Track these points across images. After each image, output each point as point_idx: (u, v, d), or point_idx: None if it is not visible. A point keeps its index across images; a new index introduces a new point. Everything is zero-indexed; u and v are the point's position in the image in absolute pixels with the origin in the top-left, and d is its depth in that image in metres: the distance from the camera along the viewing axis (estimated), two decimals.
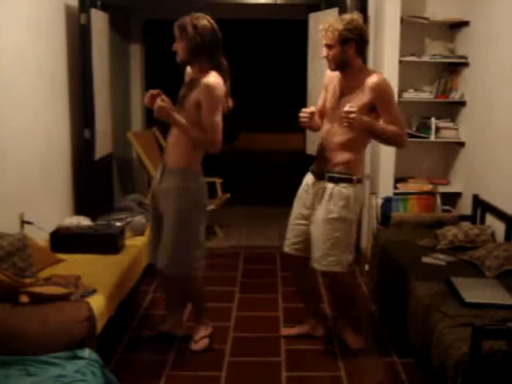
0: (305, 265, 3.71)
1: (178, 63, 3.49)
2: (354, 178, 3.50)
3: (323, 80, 3.69)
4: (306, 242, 3.65)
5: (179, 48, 3.41)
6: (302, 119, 3.55)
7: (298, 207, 3.71)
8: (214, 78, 3.37)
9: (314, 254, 3.59)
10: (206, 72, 3.40)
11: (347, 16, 3.47)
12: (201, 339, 3.77)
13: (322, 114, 3.67)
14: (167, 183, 3.52)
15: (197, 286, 3.79)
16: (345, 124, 3.31)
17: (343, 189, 3.48)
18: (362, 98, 3.39)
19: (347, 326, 3.85)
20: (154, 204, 3.67)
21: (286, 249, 3.79)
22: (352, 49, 3.38)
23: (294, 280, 4.04)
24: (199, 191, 3.55)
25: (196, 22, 3.35)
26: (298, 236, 3.70)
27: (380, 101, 3.39)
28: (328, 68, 3.52)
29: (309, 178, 3.67)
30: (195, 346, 3.75)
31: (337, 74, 3.52)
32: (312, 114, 3.56)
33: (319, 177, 3.57)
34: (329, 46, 3.39)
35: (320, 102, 3.72)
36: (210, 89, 3.34)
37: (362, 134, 3.46)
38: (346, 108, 3.28)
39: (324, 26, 3.40)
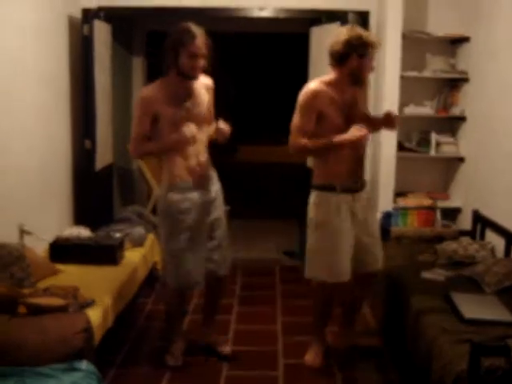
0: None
1: (193, 78, 3.46)
2: (313, 183, 3.67)
3: (312, 102, 3.49)
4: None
5: (205, 63, 3.43)
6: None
7: (343, 233, 3.67)
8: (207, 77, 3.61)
9: (378, 264, 3.80)
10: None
11: (342, 34, 3.46)
12: (227, 341, 3.96)
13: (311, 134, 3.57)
14: (215, 188, 3.68)
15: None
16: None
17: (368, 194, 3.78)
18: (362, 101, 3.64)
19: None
20: (200, 222, 3.58)
21: (345, 278, 3.63)
22: (354, 61, 3.43)
23: (327, 306, 3.87)
24: None
25: (205, 35, 3.44)
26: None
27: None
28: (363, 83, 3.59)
29: (342, 197, 3.63)
30: (225, 348, 3.86)
31: (326, 89, 3.50)
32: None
33: (354, 191, 3.69)
34: (331, 66, 3.52)
35: (310, 125, 3.52)
36: (211, 86, 3.66)
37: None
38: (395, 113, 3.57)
39: (374, 40, 3.44)
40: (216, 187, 3.70)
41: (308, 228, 3.68)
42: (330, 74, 3.54)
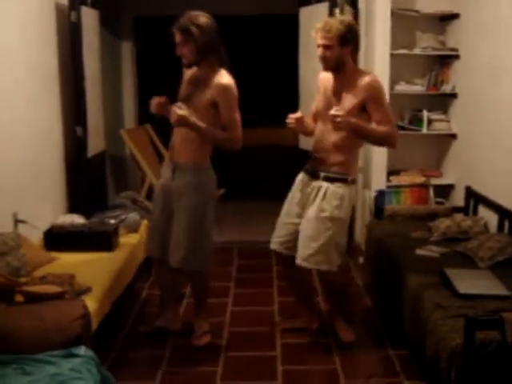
0: (294, 262, 3.66)
1: (186, 67, 3.49)
2: (349, 178, 3.52)
3: (318, 83, 3.67)
4: (295, 240, 3.61)
5: (186, 51, 3.40)
6: (289, 125, 3.58)
7: (289, 205, 3.72)
8: (227, 77, 3.43)
9: (301, 251, 3.55)
10: (214, 70, 3.43)
11: (346, 18, 3.58)
12: (203, 334, 3.77)
13: (317, 116, 3.67)
14: (181, 180, 3.55)
15: (208, 280, 3.85)
16: (333, 126, 3.36)
17: (338, 188, 3.49)
18: (353, 99, 3.42)
19: (339, 319, 3.86)
20: (163, 201, 3.64)
21: (274, 246, 3.78)
22: (348, 50, 3.42)
23: (284, 277, 4.10)
24: (212, 185, 3.66)
25: (198, 21, 3.35)
26: (288, 234, 3.69)
27: (371, 100, 3.40)
28: (322, 68, 3.52)
29: (302, 177, 3.67)
30: (198, 341, 3.75)
31: (329, 75, 3.53)
32: (299, 119, 3.57)
33: (313, 176, 3.58)
34: (326, 47, 3.39)
35: (314, 105, 3.71)
36: (227, 89, 3.41)
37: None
38: (333, 111, 3.32)
39: (324, 25, 3.38)
40: (186, 180, 3.54)
41: (332, 223, 3.51)
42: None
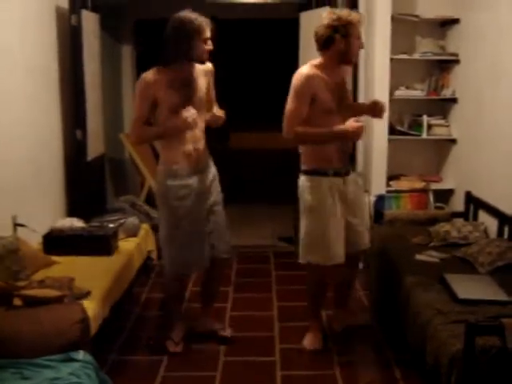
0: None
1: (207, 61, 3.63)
2: (303, 167, 3.69)
3: (306, 88, 3.50)
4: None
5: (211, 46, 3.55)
6: None
7: (335, 214, 3.72)
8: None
9: (364, 240, 3.85)
10: (191, 64, 3.55)
11: (341, 10, 3.68)
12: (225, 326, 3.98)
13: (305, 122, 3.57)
14: (210, 175, 3.70)
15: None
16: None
17: (300, 181, 3.71)
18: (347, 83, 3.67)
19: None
20: (199, 209, 3.62)
21: (339, 260, 3.68)
22: (335, 48, 3.50)
23: (322, 288, 3.90)
24: None
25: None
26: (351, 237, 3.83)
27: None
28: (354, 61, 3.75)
29: (335, 180, 3.69)
30: (228, 332, 3.91)
31: (316, 74, 3.52)
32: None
33: (345, 174, 3.75)
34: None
35: (304, 110, 3.53)
36: (212, 70, 3.69)
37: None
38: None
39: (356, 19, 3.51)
40: (212, 173, 3.73)
41: (301, 213, 3.69)
42: (319, 58, 3.56)
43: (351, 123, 3.46)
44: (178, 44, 3.42)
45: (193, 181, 3.57)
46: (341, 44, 3.45)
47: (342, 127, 3.47)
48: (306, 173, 3.65)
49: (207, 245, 3.65)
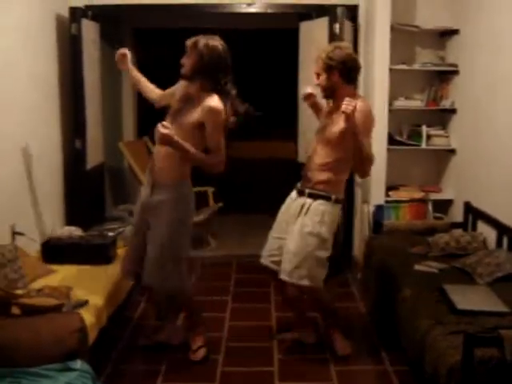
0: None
1: (182, 77, 3.52)
2: (332, 196, 3.60)
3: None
4: (282, 255, 3.69)
5: (186, 62, 3.44)
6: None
7: (279, 221, 3.83)
8: (217, 101, 3.39)
9: (284, 265, 3.63)
10: (207, 92, 3.41)
11: (336, 44, 3.70)
12: (198, 349, 3.75)
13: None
14: (160, 196, 3.49)
15: (188, 298, 3.79)
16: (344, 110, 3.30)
17: (320, 205, 3.58)
18: (340, 124, 3.47)
19: (335, 333, 3.88)
20: (140, 218, 3.61)
21: (263, 260, 3.83)
22: (336, 76, 3.50)
23: (279, 292, 4.07)
24: (190, 203, 3.60)
25: (208, 42, 3.40)
26: (275, 249, 3.76)
27: (360, 127, 3.39)
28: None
29: (293, 194, 3.78)
30: (194, 356, 3.73)
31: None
32: (310, 94, 3.81)
33: (300, 193, 3.69)
34: (317, 74, 3.58)
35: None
36: (215, 112, 3.37)
37: (343, 155, 3.54)
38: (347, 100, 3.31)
39: (317, 53, 3.59)
40: (165, 196, 3.48)
41: (313, 238, 3.58)
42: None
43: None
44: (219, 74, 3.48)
45: (143, 192, 3.62)
46: (335, 78, 3.54)
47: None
48: (336, 201, 3.63)
49: (135, 258, 3.64)
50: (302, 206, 3.62)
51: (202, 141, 3.44)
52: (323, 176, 3.60)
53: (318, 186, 3.61)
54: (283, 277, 3.63)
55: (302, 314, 4.01)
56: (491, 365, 2.69)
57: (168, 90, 3.76)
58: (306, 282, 3.59)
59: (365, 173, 3.66)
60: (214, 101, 3.38)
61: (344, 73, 3.50)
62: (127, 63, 3.84)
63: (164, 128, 3.28)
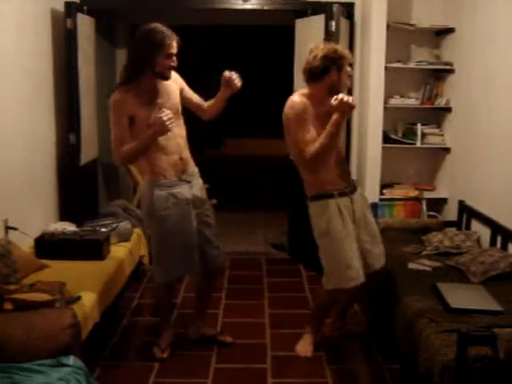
0: None
1: (169, 78, 3.47)
2: (308, 195, 3.61)
3: (303, 113, 3.47)
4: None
5: (176, 63, 3.46)
6: None
7: (350, 235, 3.66)
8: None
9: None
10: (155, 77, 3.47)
11: (321, 49, 3.45)
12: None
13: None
14: (198, 184, 3.69)
15: None
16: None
17: (309, 208, 3.64)
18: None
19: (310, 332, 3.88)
20: (187, 216, 3.58)
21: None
22: (322, 84, 3.43)
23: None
24: None
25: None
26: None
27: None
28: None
29: (344, 202, 3.63)
30: (228, 338, 3.95)
31: (308, 105, 3.47)
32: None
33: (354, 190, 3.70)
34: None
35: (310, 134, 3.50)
36: (177, 76, 3.62)
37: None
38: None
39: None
40: (199, 184, 3.69)
41: (317, 241, 3.62)
42: (306, 89, 3.52)
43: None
44: (140, 57, 3.35)
45: (179, 190, 3.55)
46: (334, 76, 3.40)
47: (332, 118, 3.37)
48: (312, 199, 3.58)
49: (196, 254, 3.63)
50: (363, 199, 3.74)
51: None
52: (304, 178, 3.63)
53: (351, 178, 3.74)
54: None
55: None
56: (485, 363, 2.70)
57: (123, 122, 3.50)
58: (329, 286, 3.67)
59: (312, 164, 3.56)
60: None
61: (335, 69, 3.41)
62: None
63: (165, 115, 3.26)
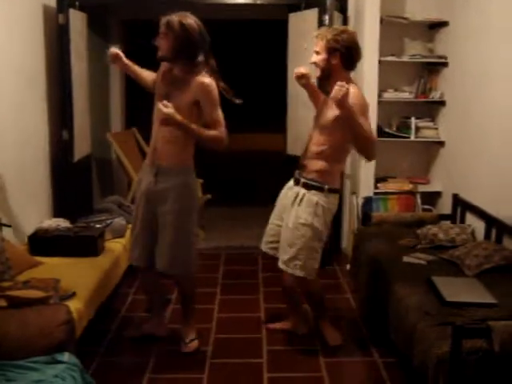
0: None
1: (158, 59, 3.46)
2: (326, 187, 3.54)
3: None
4: (278, 242, 3.72)
5: (162, 44, 3.38)
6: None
7: (277, 208, 3.81)
8: (207, 77, 3.42)
9: (281, 255, 3.67)
10: (192, 71, 3.41)
11: (343, 28, 3.63)
12: (191, 341, 3.76)
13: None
14: (166, 183, 3.50)
15: (194, 285, 3.84)
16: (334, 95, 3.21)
17: (313, 196, 3.54)
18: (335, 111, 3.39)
19: (326, 323, 3.90)
20: (146, 206, 3.59)
21: (262, 246, 3.90)
22: (337, 59, 3.42)
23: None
24: (196, 187, 3.69)
25: (184, 21, 3.35)
26: (274, 236, 3.79)
27: (357, 110, 3.33)
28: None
29: (290, 182, 3.73)
30: (187, 348, 3.73)
31: None
32: (304, 75, 3.63)
33: (296, 182, 3.65)
34: (316, 52, 3.47)
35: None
36: (209, 88, 3.39)
37: (339, 143, 3.50)
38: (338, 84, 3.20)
39: (318, 31, 3.54)
40: (171, 183, 3.50)
41: (307, 229, 3.55)
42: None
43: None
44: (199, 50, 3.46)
45: (145, 179, 3.58)
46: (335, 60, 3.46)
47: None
48: (330, 191, 3.56)
49: (144, 245, 3.63)
50: (296, 196, 3.58)
51: (199, 119, 3.46)
52: (318, 165, 3.53)
53: (311, 175, 3.55)
54: (281, 266, 3.66)
55: (296, 304, 4.01)
56: (479, 356, 2.70)
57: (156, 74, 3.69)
58: (301, 274, 3.59)
59: (369, 155, 3.52)
60: (205, 77, 3.41)
61: (345, 58, 3.43)
62: (123, 61, 3.72)
63: (166, 107, 3.31)
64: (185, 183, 3.54)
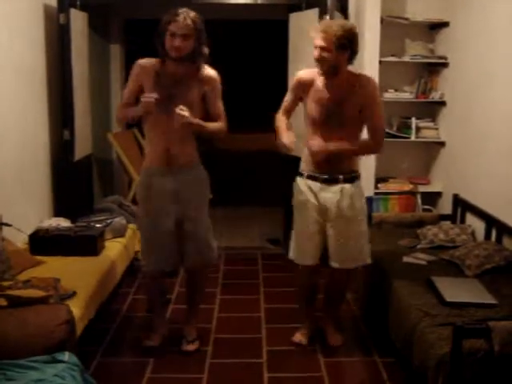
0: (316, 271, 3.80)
1: (179, 59, 3.37)
2: (358, 173, 3.67)
3: (295, 82, 3.67)
4: (322, 249, 3.69)
5: (186, 44, 3.31)
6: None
7: (309, 216, 3.63)
8: (213, 70, 3.50)
9: (338, 254, 3.62)
10: (196, 65, 3.42)
11: (348, 23, 3.57)
12: (194, 340, 3.78)
13: (290, 112, 3.79)
14: (186, 182, 3.55)
15: (207, 278, 3.99)
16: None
17: (356, 187, 3.62)
18: (356, 104, 3.45)
19: (330, 323, 3.90)
20: (166, 208, 3.54)
21: (311, 261, 3.69)
22: (345, 56, 3.40)
23: (302, 288, 3.93)
24: (208, 185, 3.73)
25: (200, 18, 3.38)
26: (318, 244, 3.66)
27: (369, 100, 3.45)
28: (319, 70, 3.45)
29: (312, 185, 3.60)
30: (189, 347, 3.74)
31: (312, 78, 3.54)
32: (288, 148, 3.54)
33: (330, 181, 3.56)
34: (323, 48, 3.35)
35: (288, 103, 3.76)
36: (216, 80, 3.49)
37: (360, 131, 3.61)
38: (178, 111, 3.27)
39: (324, 27, 3.37)
40: (191, 179, 3.57)
41: (363, 217, 3.71)
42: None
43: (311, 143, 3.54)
44: (156, 35, 3.38)
45: (160, 181, 3.54)
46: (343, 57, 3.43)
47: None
48: (359, 177, 3.68)
49: (173, 248, 3.61)
50: (341, 194, 3.54)
51: (204, 113, 3.53)
52: (346, 157, 3.59)
53: (345, 168, 3.58)
54: (338, 265, 3.64)
55: (313, 305, 4.01)
56: (479, 356, 2.70)
57: (133, 86, 3.52)
58: (369, 260, 3.74)
59: (379, 145, 3.66)
60: (211, 70, 3.48)
61: (352, 54, 3.42)
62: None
63: (183, 111, 3.29)
64: (202, 177, 3.66)
